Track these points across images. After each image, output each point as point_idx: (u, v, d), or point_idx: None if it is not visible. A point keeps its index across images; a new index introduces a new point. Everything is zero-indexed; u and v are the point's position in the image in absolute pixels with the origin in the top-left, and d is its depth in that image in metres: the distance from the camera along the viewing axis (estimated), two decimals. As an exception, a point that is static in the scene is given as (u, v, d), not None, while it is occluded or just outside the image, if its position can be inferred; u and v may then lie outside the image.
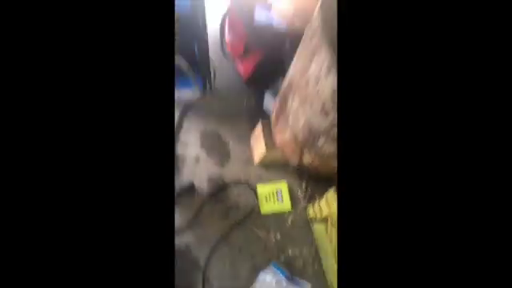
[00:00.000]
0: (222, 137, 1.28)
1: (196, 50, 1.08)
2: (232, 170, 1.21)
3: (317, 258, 1.08)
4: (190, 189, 1.14)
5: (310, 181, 1.21)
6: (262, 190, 1.17)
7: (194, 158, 1.22)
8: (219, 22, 1.27)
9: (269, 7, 1.10)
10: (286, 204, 1.16)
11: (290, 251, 1.08)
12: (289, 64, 0.96)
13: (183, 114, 1.26)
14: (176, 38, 0.94)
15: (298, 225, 1.13)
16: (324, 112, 0.76)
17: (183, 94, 1.28)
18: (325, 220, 1.00)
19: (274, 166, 1.22)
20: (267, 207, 1.15)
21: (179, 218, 1.08)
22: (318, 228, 1.07)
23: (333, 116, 0.75)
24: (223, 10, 1.25)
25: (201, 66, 1.15)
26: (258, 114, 1.26)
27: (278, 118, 1.06)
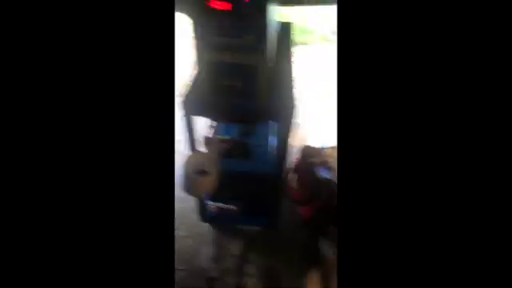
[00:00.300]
0: (281, 274, 1.37)
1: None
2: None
3: None
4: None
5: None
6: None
7: (252, 290, 1.30)
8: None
9: (329, 168, 1.40)
10: None
11: None
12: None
13: (247, 246, 1.44)
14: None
15: None
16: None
17: (249, 228, 1.49)
18: None
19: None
20: None
21: None
22: None
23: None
24: (291, 165, 1.58)
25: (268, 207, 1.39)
26: (316, 257, 1.37)
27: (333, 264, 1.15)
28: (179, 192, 1.73)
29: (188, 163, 0.78)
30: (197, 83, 0.99)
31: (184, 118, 1.03)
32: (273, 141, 1.35)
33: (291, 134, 1.03)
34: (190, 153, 0.84)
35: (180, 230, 1.52)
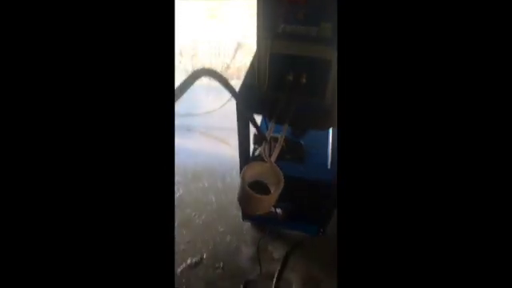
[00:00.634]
0: (323, 285, 1.27)
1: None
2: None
3: None
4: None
5: None
6: None
7: (293, 300, 1.22)
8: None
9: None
10: None
11: None
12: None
13: (290, 251, 1.35)
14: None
15: None
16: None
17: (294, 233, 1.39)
18: None
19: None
20: None
21: None
22: None
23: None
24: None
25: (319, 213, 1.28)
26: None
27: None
28: (219, 183, 1.72)
29: (246, 175, 0.68)
30: (255, 76, 0.87)
31: (238, 117, 0.92)
32: (329, 144, 1.21)
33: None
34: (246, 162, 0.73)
35: (218, 225, 1.47)
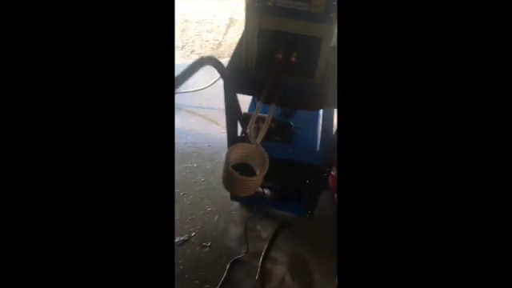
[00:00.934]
0: (310, 265, 1.29)
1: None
2: (313, 303, 1.18)
3: None
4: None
5: None
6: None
7: (280, 279, 1.25)
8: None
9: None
10: None
11: None
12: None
13: (278, 230, 1.36)
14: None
15: None
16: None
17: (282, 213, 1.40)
18: None
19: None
20: None
21: None
22: None
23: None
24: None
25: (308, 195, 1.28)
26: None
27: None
28: (207, 163, 1.71)
29: (231, 157, 0.65)
30: (243, 54, 0.83)
31: (225, 96, 0.89)
32: (318, 126, 1.20)
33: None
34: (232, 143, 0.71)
35: (206, 205, 1.47)
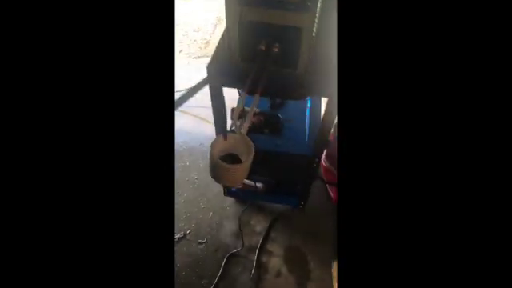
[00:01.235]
0: (305, 255, 1.31)
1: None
2: (310, 293, 1.19)
3: None
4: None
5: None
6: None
7: (276, 271, 1.26)
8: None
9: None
10: None
11: None
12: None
13: (272, 223, 1.37)
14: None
15: None
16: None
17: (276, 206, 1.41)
18: None
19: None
20: None
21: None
22: None
23: None
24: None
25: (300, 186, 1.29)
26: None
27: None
28: (200, 161, 1.71)
29: (216, 147, 0.66)
30: (226, 47, 0.84)
31: (210, 89, 0.89)
32: (306, 117, 1.21)
33: (326, 112, 0.89)
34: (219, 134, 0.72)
35: (200, 202, 1.47)
